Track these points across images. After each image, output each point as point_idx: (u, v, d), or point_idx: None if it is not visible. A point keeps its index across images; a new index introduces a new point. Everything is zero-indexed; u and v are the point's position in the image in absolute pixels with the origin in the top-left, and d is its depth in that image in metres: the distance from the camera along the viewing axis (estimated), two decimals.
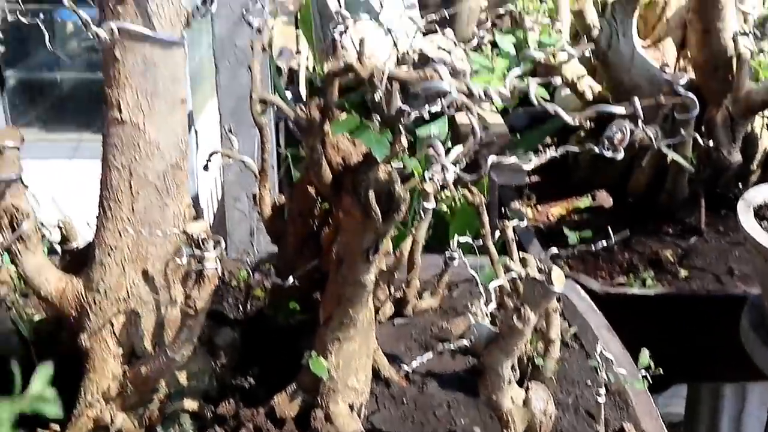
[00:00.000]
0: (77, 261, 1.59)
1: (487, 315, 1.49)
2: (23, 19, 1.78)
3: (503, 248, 1.73)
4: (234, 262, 2.02)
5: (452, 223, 2.33)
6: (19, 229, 1.45)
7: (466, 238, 1.70)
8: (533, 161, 1.38)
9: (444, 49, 1.37)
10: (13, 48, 3.10)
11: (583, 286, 2.02)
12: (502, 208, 2.05)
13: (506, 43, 2.77)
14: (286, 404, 1.55)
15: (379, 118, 1.33)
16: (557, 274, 1.31)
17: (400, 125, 1.31)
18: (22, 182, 1.50)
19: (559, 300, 1.71)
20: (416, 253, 1.78)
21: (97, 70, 3.27)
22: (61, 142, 3.23)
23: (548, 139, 2.92)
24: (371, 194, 1.32)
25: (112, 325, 1.48)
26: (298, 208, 1.60)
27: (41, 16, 2.02)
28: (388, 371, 1.66)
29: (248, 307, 1.79)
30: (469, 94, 1.20)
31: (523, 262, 1.41)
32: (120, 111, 1.43)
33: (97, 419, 1.43)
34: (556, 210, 2.08)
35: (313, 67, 3.17)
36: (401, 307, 1.87)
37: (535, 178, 2.41)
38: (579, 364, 1.78)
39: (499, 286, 1.48)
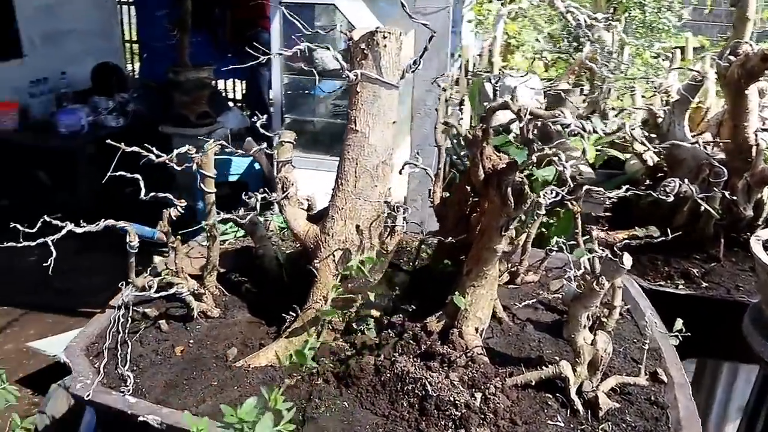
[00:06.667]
0: (314, 218, 1.81)
1: (575, 280, 1.52)
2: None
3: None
4: (409, 237, 2.13)
5: (552, 229, 2.43)
6: (288, 191, 1.71)
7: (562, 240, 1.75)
8: (611, 196, 1.56)
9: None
10: (290, 101, 4.48)
11: (637, 283, 2.05)
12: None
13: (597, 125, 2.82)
14: (434, 323, 1.68)
15: (520, 139, 1.51)
16: (627, 258, 1.37)
17: (534, 144, 1.48)
18: (292, 164, 1.74)
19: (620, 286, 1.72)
20: (528, 243, 1.90)
21: (337, 119, 4.49)
22: (311, 160, 4.02)
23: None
24: (509, 190, 1.49)
25: (334, 256, 1.66)
26: (457, 199, 1.78)
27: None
28: (502, 314, 1.79)
29: (416, 263, 1.95)
30: (583, 128, 1.40)
31: (606, 247, 1.49)
32: (355, 124, 1.64)
33: (319, 311, 1.61)
34: (620, 235, 2.11)
35: (471, 126, 3.29)
36: (514, 279, 1.97)
37: (608, 213, 2.46)
38: (629, 328, 1.81)
39: (585, 265, 1.50)
